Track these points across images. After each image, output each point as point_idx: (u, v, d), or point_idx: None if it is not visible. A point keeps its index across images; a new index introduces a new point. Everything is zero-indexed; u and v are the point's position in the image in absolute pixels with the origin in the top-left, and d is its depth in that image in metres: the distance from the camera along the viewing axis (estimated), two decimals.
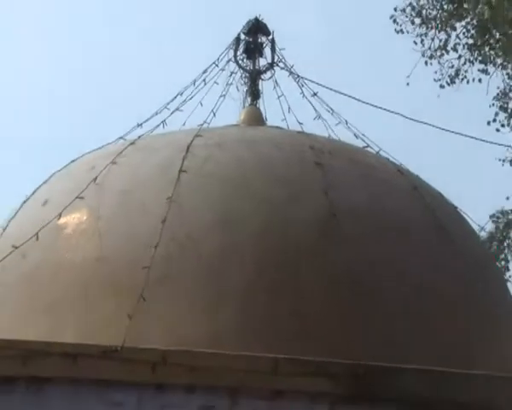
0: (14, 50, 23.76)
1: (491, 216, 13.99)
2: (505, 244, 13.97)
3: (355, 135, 7.33)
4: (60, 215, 6.17)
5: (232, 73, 7.73)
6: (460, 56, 14.09)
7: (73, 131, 20.27)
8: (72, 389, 4.94)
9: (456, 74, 14.14)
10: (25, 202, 6.86)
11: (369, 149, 7.29)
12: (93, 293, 5.79)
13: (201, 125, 6.96)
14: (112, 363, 4.96)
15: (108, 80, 22.49)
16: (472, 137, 8.65)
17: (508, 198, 14.19)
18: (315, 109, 7.51)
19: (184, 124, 7.26)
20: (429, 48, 14.13)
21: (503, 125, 13.97)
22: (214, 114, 7.20)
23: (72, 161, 7.05)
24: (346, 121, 7.43)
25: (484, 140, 8.96)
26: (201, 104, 7.35)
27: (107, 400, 4.96)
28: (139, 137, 6.92)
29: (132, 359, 5.01)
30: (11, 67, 23.26)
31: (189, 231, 5.96)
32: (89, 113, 21.79)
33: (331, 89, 7.65)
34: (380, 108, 7.95)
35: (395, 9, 14.11)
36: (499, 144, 12.18)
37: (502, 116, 14.04)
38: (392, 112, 7.95)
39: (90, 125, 19.76)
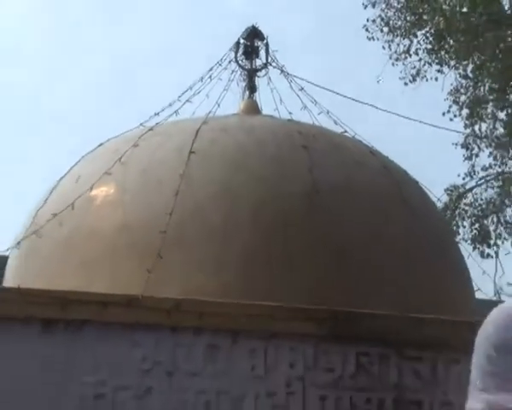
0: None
1: (446, 190, 13.99)
2: (456, 213, 13.99)
3: (335, 122, 7.30)
4: (91, 189, 6.13)
5: (233, 71, 7.68)
6: (420, 59, 14.09)
7: (101, 118, 20.13)
8: (102, 330, 4.94)
9: (417, 74, 14.13)
10: (61, 178, 6.82)
11: (346, 133, 7.26)
12: (119, 253, 5.78)
13: (208, 114, 6.93)
14: (134, 310, 4.95)
15: (132, 77, 22.40)
16: (430, 125, 8.66)
17: (459, 175, 14.24)
18: (302, 101, 7.47)
19: (194, 113, 7.22)
20: (395, 52, 14.12)
21: (455, 116, 14.02)
22: (218, 105, 7.16)
23: (100, 144, 7.01)
24: (328, 111, 7.40)
25: (440, 127, 8.96)
26: (208, 97, 7.30)
27: (131, 340, 4.96)
28: (156, 124, 6.89)
29: (151, 306, 5.01)
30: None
31: (197, 202, 5.95)
32: (115, 103, 21.68)
33: (315, 84, 7.63)
34: (355, 100, 7.94)
35: (367, 20, 14.10)
36: (453, 130, 12.27)
37: (454, 108, 14.07)
38: (365, 103, 7.95)
39: (115, 114, 19.64)
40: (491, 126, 14.19)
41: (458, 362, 5.26)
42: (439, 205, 11.61)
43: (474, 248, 13.55)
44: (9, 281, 6.28)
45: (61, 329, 4.90)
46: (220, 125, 6.69)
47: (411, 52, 14.06)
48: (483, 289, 7.29)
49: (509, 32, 13.73)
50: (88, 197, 6.13)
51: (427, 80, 14.07)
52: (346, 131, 7.22)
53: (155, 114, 6.98)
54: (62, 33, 23.89)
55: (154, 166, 6.24)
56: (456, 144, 14.15)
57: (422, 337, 5.29)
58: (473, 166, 14.21)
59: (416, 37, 13.99)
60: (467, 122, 14.10)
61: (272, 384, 5.06)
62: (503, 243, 13.77)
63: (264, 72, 7.76)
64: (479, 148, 14.24)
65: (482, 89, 14.05)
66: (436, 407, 5.26)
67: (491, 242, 13.76)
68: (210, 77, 7.44)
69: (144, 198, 6.04)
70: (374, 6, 14.06)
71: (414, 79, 14.10)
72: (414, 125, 8.17)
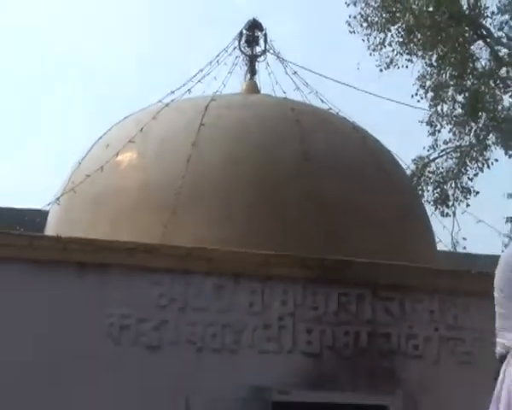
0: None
1: (413, 160, 14.08)
2: (422, 179, 14.09)
3: (322, 100, 7.24)
4: (117, 154, 6.09)
5: (237, 56, 7.57)
6: (393, 50, 14.03)
7: (125, 97, 19.83)
8: (127, 272, 4.91)
9: (391, 62, 14.09)
10: (93, 145, 6.78)
11: (331, 110, 7.20)
12: (141, 208, 5.76)
13: (215, 92, 6.87)
14: (154, 255, 4.92)
15: (152, 60, 22.06)
16: (402, 104, 8.73)
17: (424, 147, 14.32)
18: (294, 83, 7.38)
19: (203, 92, 7.14)
20: (372, 43, 14.06)
21: (422, 98, 14.03)
22: (224, 86, 7.09)
23: (125, 117, 6.95)
24: (316, 91, 7.33)
25: (409, 105, 8.97)
26: (215, 78, 7.22)
27: (151, 280, 4.94)
28: (172, 100, 6.82)
29: (168, 253, 4.97)
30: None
31: (206, 167, 5.91)
32: (137, 83, 21.31)
33: (306, 69, 7.55)
34: (339, 82, 7.88)
35: (349, 16, 14.06)
36: (419, 108, 12.34)
37: (421, 91, 14.07)
38: (347, 85, 7.91)
39: (138, 92, 19.28)
40: (451, 107, 14.28)
41: (422, 302, 5.30)
42: (408, 172, 11.63)
43: (436, 209, 13.71)
44: (50, 231, 6.28)
45: (93, 271, 4.87)
46: (226, 102, 6.62)
47: (386, 44, 14.02)
48: (443, 242, 7.37)
49: (467, 28, 13.76)
50: (115, 161, 6.09)
51: (398, 68, 14.08)
52: (331, 108, 7.17)
53: (171, 92, 6.92)
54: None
55: (170, 135, 6.18)
56: (422, 122, 14.22)
57: (393, 281, 5.29)
58: (435, 140, 14.32)
59: (390, 31, 13.94)
60: (431, 103, 14.16)
61: (267, 319, 5.07)
62: (459, 204, 13.93)
63: (263, 58, 7.68)
64: (441, 125, 14.31)
65: (444, 76, 14.08)
66: (402, 338, 5.29)
67: (450, 203, 13.92)
68: (217, 61, 7.36)
69: (161, 163, 5.99)
70: (355, 4, 14.03)
71: (388, 67, 14.08)
72: (388, 104, 8.11)
